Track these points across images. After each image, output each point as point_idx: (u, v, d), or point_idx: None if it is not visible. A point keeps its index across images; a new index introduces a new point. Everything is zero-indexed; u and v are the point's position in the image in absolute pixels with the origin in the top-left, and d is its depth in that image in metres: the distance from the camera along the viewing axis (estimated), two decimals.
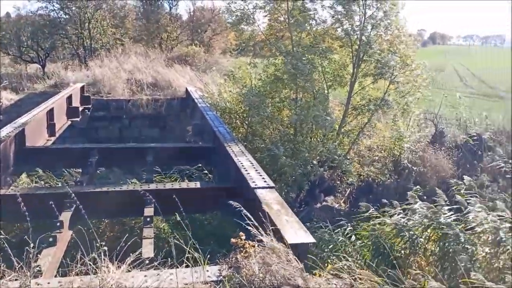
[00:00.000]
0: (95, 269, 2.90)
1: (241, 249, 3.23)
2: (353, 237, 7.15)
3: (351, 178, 11.60)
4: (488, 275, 5.52)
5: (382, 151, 12.61)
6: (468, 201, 7.37)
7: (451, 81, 35.72)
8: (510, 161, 10.52)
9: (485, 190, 11.65)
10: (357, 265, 6.19)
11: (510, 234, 6.63)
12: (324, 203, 11.16)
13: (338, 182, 11.90)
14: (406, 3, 11.71)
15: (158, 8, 23.89)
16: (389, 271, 5.92)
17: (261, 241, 3.28)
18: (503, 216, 7.00)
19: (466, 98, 18.41)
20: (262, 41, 12.57)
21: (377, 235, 6.92)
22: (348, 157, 11.25)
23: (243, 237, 3.32)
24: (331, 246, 6.86)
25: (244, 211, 3.58)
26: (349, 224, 7.49)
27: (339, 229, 7.42)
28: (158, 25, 22.92)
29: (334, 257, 5.65)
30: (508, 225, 6.57)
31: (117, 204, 5.17)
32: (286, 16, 11.76)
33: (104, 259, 2.91)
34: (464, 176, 8.23)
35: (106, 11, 21.63)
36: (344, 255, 6.57)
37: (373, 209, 7.40)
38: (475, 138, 13.53)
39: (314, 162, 10.30)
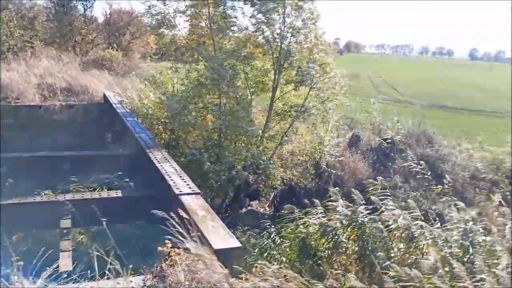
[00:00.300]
0: (7, 286, 2.66)
1: (167, 257, 3.16)
2: (278, 240, 7.24)
3: (274, 182, 11.81)
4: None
5: (304, 155, 13.00)
6: (382, 200, 7.84)
7: (366, 88, 37.91)
8: (421, 162, 11.30)
9: (398, 190, 12.52)
10: (284, 266, 6.32)
11: (421, 231, 7.16)
12: (249, 207, 11.26)
13: (262, 186, 12.06)
14: (323, 14, 12.22)
15: (71, 10, 22.63)
16: (314, 271, 6.10)
17: (187, 248, 3.23)
18: (415, 214, 7.53)
19: (379, 104, 19.65)
20: (184, 46, 12.40)
21: (302, 236, 7.10)
22: (272, 162, 11.46)
23: (169, 245, 3.24)
24: (257, 249, 6.91)
25: (169, 219, 3.50)
26: (274, 227, 7.59)
27: (265, 232, 7.51)
28: (71, 27, 21.70)
29: (261, 261, 5.69)
30: (419, 222, 7.10)
31: (31, 216, 4.81)
32: (207, 22, 11.73)
33: (17, 275, 2.69)
34: (377, 177, 8.74)
35: (13, 11, 20.06)
36: (271, 258, 6.69)
37: (297, 210, 7.58)
38: (388, 141, 14.44)
39: (239, 167, 10.36)
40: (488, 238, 6.66)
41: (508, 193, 11.49)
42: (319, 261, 6.65)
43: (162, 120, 11.64)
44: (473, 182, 13.54)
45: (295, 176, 12.42)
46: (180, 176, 5.15)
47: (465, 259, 6.33)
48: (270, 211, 11.29)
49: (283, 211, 8.09)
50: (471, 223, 6.86)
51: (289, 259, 6.63)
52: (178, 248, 3.24)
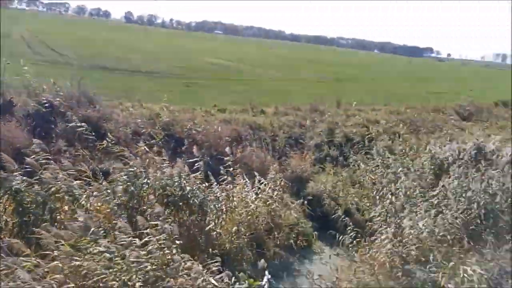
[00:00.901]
0: None
1: None
2: None
3: None
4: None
5: None
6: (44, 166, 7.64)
7: (19, 48, 33.95)
8: (83, 123, 11.32)
9: (63, 154, 12.22)
10: None
11: (83, 190, 7.51)
12: None
13: None
14: None
15: None
16: None
17: None
18: (75, 174, 7.80)
19: (36, 66, 18.15)
20: None
21: None
22: None
23: None
24: None
25: None
26: None
27: None
28: None
29: None
30: (78, 182, 7.42)
31: None
32: None
33: None
34: (34, 141, 8.39)
35: None
36: None
37: None
38: (47, 105, 13.74)
39: None
40: (145, 181, 7.73)
41: (161, 142, 13.24)
42: None
43: None
44: (135, 137, 14.65)
45: None
46: None
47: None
48: None
49: None
50: (134, 168, 7.76)
51: None
52: None
